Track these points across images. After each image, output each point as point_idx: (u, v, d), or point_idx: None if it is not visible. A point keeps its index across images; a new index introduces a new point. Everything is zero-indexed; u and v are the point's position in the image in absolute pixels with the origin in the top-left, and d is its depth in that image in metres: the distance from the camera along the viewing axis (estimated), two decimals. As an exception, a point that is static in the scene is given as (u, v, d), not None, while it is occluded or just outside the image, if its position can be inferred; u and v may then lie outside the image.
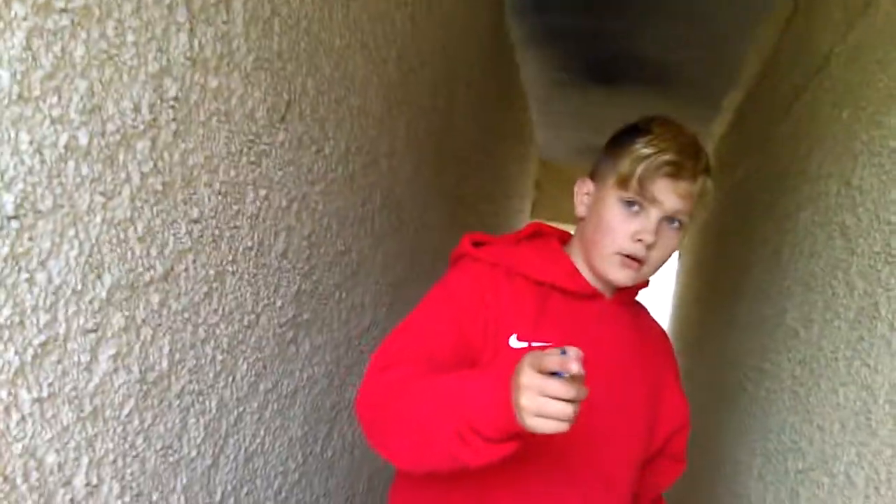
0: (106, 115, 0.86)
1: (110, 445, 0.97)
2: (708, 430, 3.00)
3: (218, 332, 1.21)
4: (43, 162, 0.78)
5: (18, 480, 0.82)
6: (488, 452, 0.82)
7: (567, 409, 0.77)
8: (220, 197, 1.14)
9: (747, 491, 2.05)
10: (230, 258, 1.20)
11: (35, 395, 0.82)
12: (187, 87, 1.01)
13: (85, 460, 0.92)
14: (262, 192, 1.27)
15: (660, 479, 1.21)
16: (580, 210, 1.13)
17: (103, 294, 0.90)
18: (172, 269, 1.05)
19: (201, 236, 1.11)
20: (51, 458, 0.86)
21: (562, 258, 1.12)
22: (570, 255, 1.13)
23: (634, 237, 1.03)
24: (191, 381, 1.14)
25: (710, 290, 3.76)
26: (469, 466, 0.84)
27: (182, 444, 1.15)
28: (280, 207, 1.35)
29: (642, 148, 1.03)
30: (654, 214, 1.03)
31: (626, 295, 1.15)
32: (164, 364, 1.07)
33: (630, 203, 1.04)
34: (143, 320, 1.00)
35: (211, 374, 1.20)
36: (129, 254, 0.94)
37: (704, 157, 1.06)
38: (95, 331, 0.90)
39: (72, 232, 0.84)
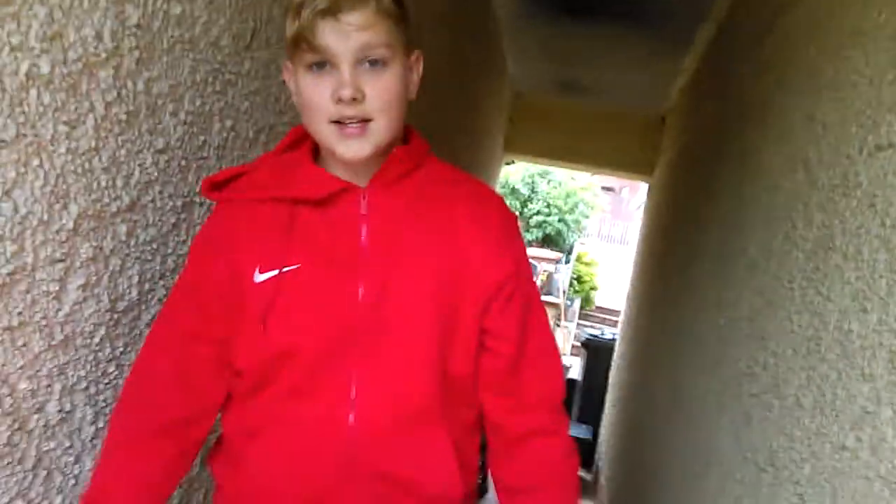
0: (67, 42, 0.85)
1: (82, 373, 0.99)
2: (670, 360, 3.10)
3: (187, 262, 1.21)
4: (3, 90, 0.77)
5: (-7, 406, 0.84)
6: None
7: None
8: (185, 127, 1.13)
9: (704, 415, 2.14)
10: (198, 189, 1.20)
11: (5, 323, 0.83)
12: (150, 14, 0.99)
13: (57, 387, 0.94)
14: (229, 123, 1.26)
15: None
16: (295, 100, 0.99)
17: (70, 224, 0.91)
18: (139, 199, 1.05)
19: (167, 167, 1.10)
20: (23, 385, 0.88)
21: (303, 165, 1.00)
22: (321, 157, 1.02)
23: (334, 98, 0.90)
24: (161, 311, 1.15)
25: (677, 221, 3.82)
26: None
27: (154, 372, 1.17)
28: (247, 138, 1.34)
29: (295, 1, 0.90)
30: (341, 66, 0.89)
31: (389, 173, 0.99)
32: (134, 294, 1.08)
33: (315, 65, 0.91)
34: (112, 250, 1.00)
35: (181, 304, 1.22)
36: (95, 184, 0.94)
37: None
38: (63, 260, 0.91)
39: (36, 161, 0.83)
